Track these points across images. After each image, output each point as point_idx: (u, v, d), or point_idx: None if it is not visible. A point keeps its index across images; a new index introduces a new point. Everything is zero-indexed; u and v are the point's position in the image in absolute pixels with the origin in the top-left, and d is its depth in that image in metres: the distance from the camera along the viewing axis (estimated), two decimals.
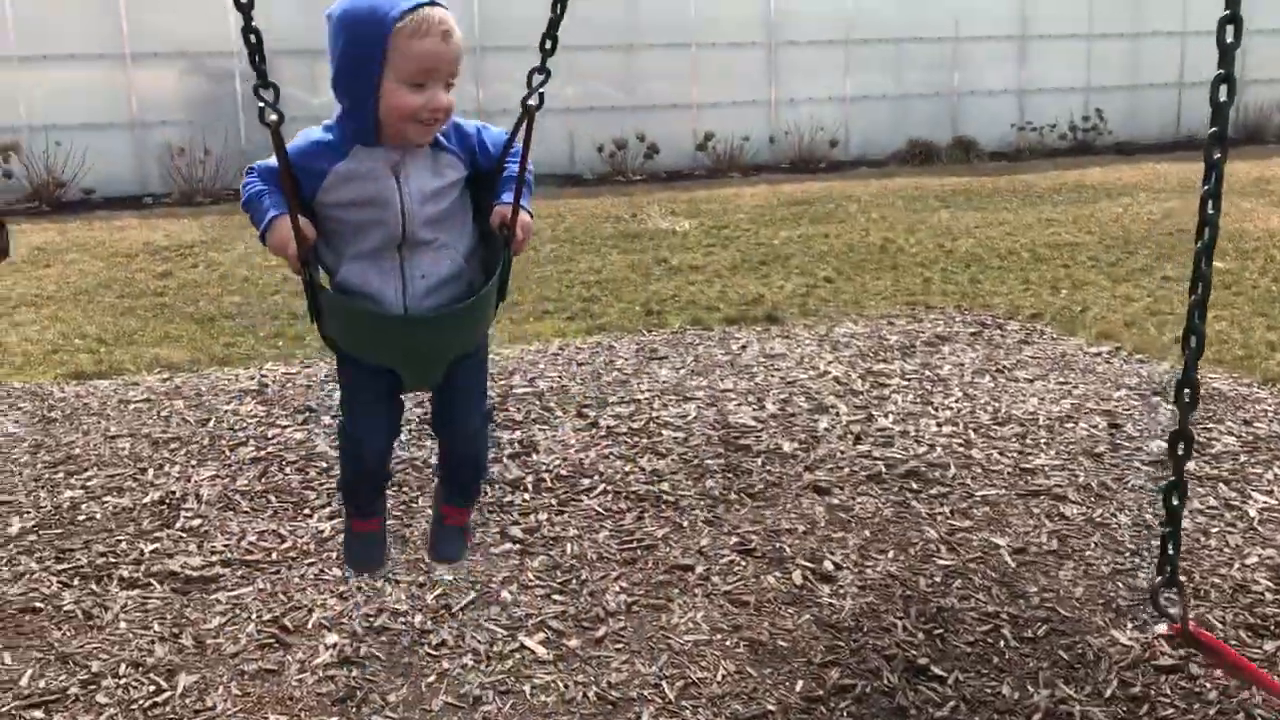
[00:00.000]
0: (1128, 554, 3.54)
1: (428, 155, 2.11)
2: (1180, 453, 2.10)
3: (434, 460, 2.72)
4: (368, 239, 2.12)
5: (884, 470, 4.26)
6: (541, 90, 2.10)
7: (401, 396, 2.34)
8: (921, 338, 6.27)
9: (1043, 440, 4.57)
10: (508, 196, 2.13)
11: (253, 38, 2.00)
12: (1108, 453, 4.43)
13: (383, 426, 2.31)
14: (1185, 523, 3.75)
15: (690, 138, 15.02)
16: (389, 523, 2.95)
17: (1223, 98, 2.12)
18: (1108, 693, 2.82)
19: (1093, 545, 3.61)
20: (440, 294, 2.16)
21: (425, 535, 3.21)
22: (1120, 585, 3.36)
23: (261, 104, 1.98)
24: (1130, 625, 3.12)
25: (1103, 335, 6.26)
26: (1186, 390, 2.10)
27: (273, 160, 2.07)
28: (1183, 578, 3.37)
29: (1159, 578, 2.21)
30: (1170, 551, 2.16)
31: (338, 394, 2.48)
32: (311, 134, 2.12)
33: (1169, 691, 2.81)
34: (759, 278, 8.03)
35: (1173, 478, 2.14)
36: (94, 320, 7.03)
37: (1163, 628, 3.04)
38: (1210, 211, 2.14)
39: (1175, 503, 2.14)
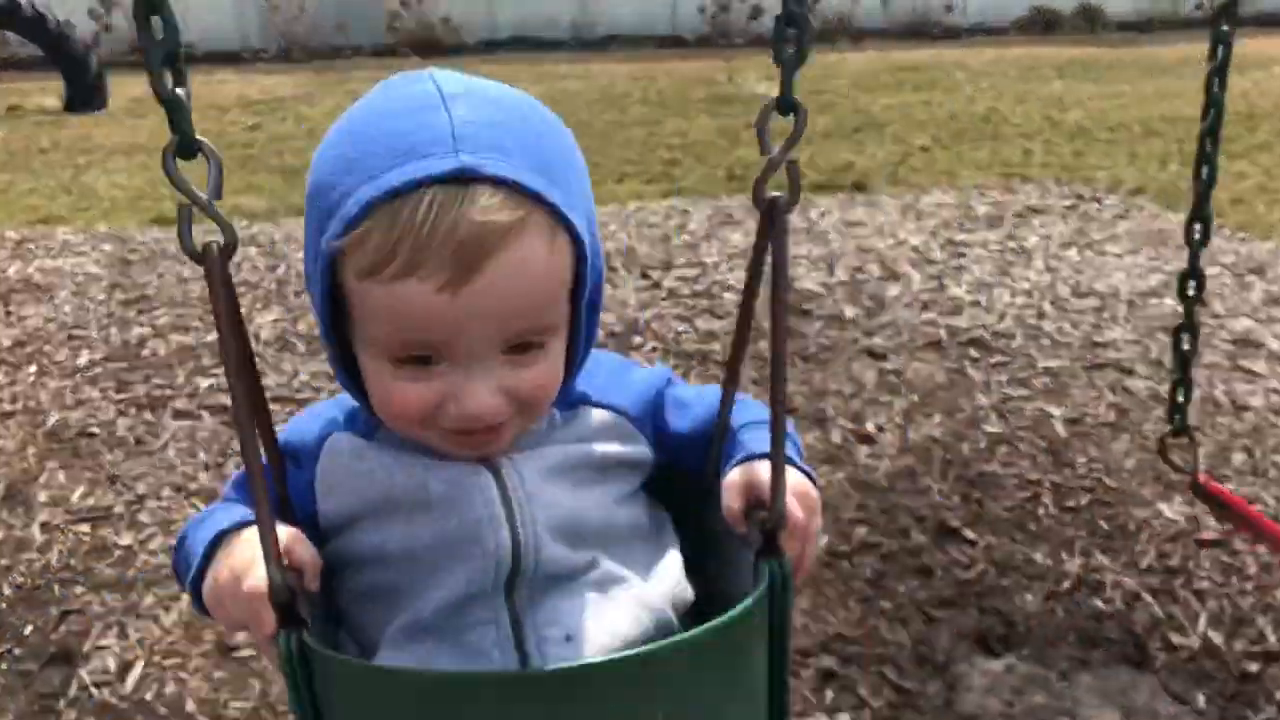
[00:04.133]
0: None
1: (555, 415, 1.11)
2: (1190, 293, 1.95)
3: None
4: (437, 588, 1.04)
5: (944, 338, 4.12)
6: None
7: None
8: (1012, 209, 6.00)
9: (1121, 314, 4.36)
10: (755, 454, 1.06)
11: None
12: None
13: None
14: (1257, 400, 3.57)
15: None
16: None
17: None
18: (1144, 563, 2.72)
19: (1153, 419, 3.45)
20: None
21: None
22: (1176, 460, 3.21)
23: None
24: (1180, 500, 2.98)
25: None
26: (1197, 225, 1.93)
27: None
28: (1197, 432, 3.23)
29: (1168, 427, 2.08)
30: (1180, 399, 2.02)
31: None
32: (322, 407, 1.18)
33: (1207, 565, 2.70)
34: (852, 144, 7.78)
35: (1182, 320, 1.99)
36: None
37: None
38: None
39: (1185, 347, 1.99)
